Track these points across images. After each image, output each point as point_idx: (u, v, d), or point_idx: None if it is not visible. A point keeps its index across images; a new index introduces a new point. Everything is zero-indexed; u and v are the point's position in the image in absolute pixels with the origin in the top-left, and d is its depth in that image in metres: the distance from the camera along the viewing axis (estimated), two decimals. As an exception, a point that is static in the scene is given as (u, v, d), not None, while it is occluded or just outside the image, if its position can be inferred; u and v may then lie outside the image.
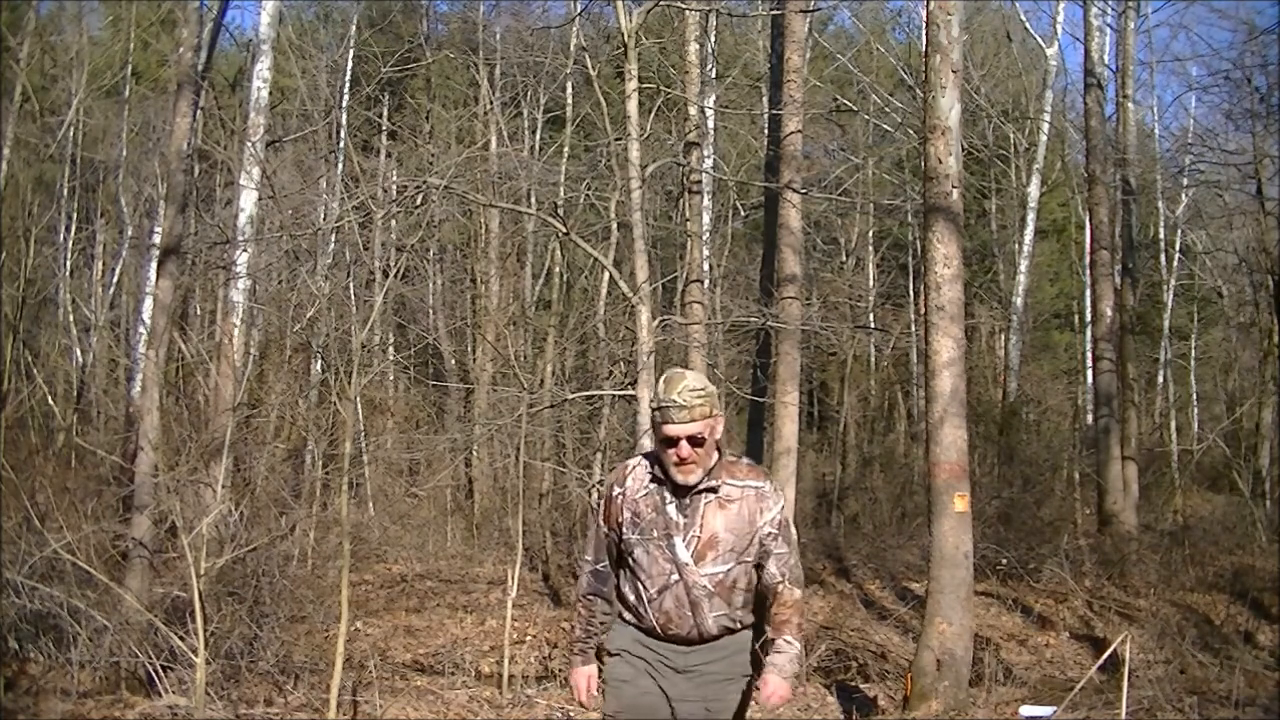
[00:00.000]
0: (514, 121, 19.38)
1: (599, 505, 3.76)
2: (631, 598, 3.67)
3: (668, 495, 3.60)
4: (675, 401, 3.47)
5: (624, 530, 3.64)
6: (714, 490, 3.58)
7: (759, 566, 3.62)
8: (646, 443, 7.80)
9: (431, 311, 19.19)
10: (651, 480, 3.64)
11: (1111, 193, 16.17)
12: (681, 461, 3.52)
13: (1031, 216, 19.05)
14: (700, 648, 3.63)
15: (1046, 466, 16.78)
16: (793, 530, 3.66)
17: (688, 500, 3.58)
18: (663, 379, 3.56)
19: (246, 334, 12.25)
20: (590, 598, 3.79)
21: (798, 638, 3.56)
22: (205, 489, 8.55)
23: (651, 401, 3.61)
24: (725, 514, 3.57)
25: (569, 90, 19.96)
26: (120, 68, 19.49)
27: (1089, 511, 16.12)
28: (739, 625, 3.65)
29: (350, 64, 19.50)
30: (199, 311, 17.95)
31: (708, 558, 3.56)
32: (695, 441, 3.51)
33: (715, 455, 3.62)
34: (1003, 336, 20.61)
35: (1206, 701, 7.65)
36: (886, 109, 19.06)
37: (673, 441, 3.52)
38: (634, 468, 3.72)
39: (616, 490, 3.70)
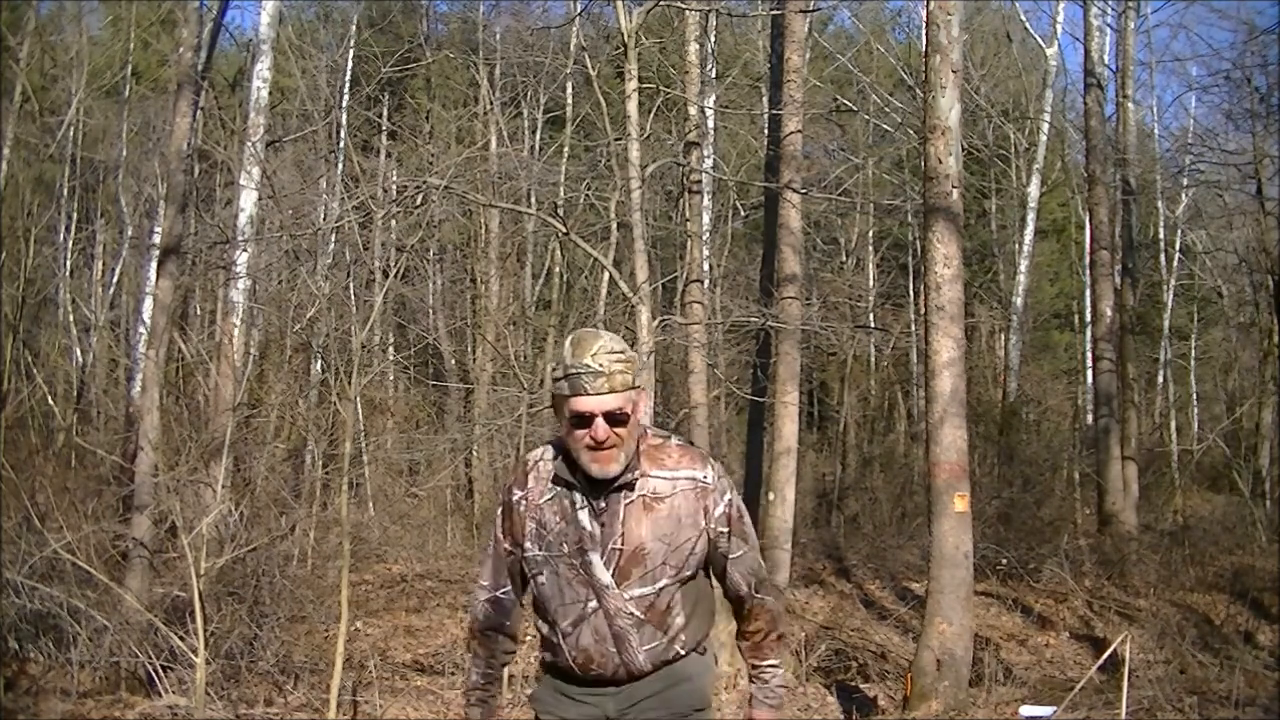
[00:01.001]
0: (514, 121, 19.39)
1: (498, 516, 2.96)
2: (544, 630, 2.91)
3: (578, 497, 2.82)
4: (589, 367, 2.70)
5: (526, 546, 2.87)
6: (631, 486, 2.80)
7: (719, 575, 2.96)
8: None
9: (431, 311, 19.18)
10: (554, 481, 2.86)
11: (1111, 193, 16.17)
12: (598, 446, 2.73)
13: (1031, 216, 19.05)
14: (632, 686, 2.86)
15: (1046, 466, 16.78)
16: (748, 522, 2.95)
17: (603, 502, 2.80)
18: (569, 341, 2.80)
19: (246, 334, 12.25)
20: (488, 634, 2.99)
21: (780, 654, 3.03)
22: (205, 489, 8.55)
23: (553, 370, 2.82)
24: (653, 516, 2.80)
25: (569, 90, 19.96)
26: (120, 68, 19.48)
27: (1089, 511, 16.12)
28: (682, 652, 2.88)
29: (350, 64, 19.49)
30: (199, 311, 17.95)
31: (633, 576, 2.78)
32: (615, 419, 2.74)
33: (635, 440, 2.82)
34: (1003, 336, 20.62)
35: (1206, 701, 7.66)
36: (886, 109, 19.06)
37: (585, 420, 2.73)
38: (535, 463, 2.92)
39: (517, 495, 2.90)
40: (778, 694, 3.01)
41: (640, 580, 2.80)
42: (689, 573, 2.85)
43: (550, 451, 2.94)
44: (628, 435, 2.77)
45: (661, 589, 2.81)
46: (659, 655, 2.85)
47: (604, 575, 2.80)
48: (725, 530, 2.88)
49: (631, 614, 2.80)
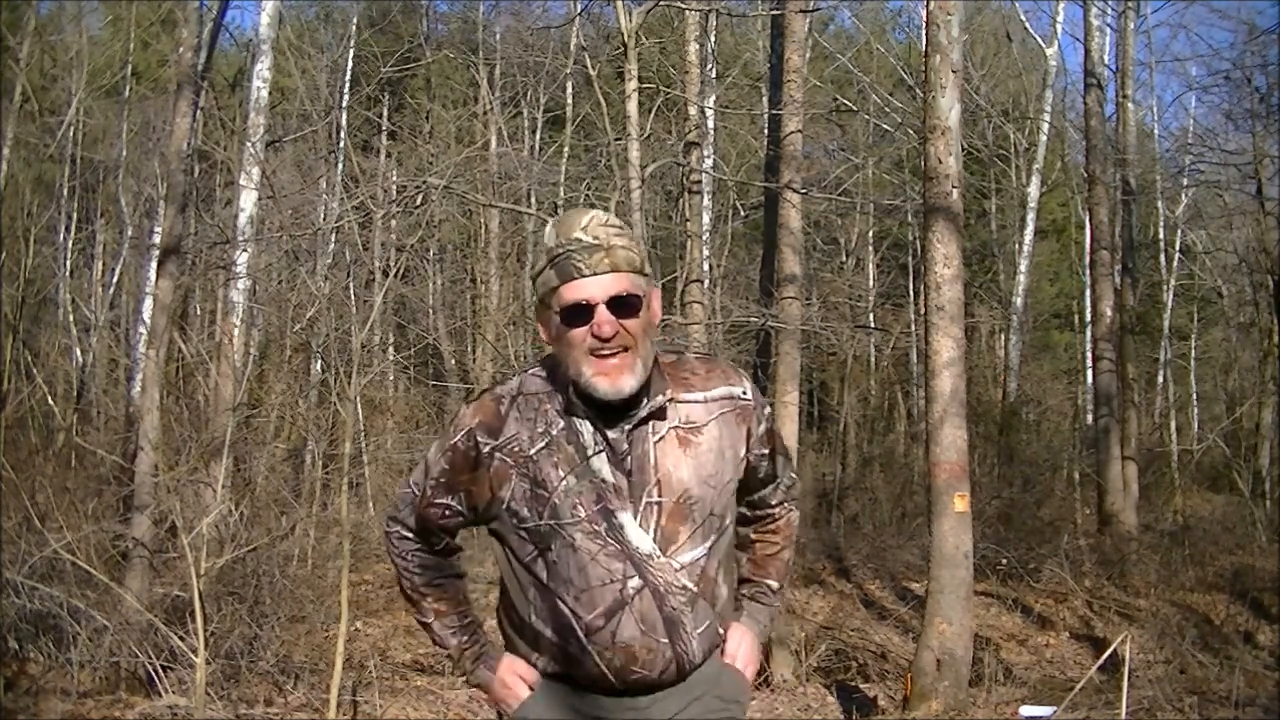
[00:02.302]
0: (514, 121, 19.39)
1: (443, 461, 2.19)
2: (546, 631, 2.14)
3: (588, 439, 2.10)
4: (580, 241, 2.05)
5: (518, 512, 2.12)
6: (662, 414, 2.12)
7: (751, 491, 2.34)
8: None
9: (431, 311, 19.18)
10: (558, 409, 2.12)
11: (1111, 193, 16.17)
12: (602, 345, 2.04)
13: (1031, 216, 19.04)
14: (675, 691, 2.16)
15: (1046, 466, 16.78)
16: (779, 430, 2.42)
17: (625, 442, 2.10)
18: (551, 224, 2.15)
19: (246, 334, 12.25)
20: (442, 582, 2.32)
21: (783, 579, 2.41)
22: (205, 489, 8.55)
23: (533, 267, 2.17)
24: (694, 453, 2.13)
25: (569, 90, 19.96)
26: (120, 68, 19.48)
27: (1089, 511, 16.12)
28: (722, 632, 2.25)
29: (350, 64, 19.51)
30: (199, 311, 17.95)
31: (681, 537, 2.10)
32: (622, 307, 2.05)
33: (651, 350, 2.13)
34: (1003, 336, 20.62)
35: (1206, 701, 7.66)
36: (886, 109, 19.05)
37: (581, 313, 2.04)
38: (512, 399, 2.14)
39: (485, 443, 2.13)
40: (768, 625, 2.39)
41: (690, 541, 2.11)
42: (729, 519, 2.21)
43: (533, 380, 2.17)
44: (640, 334, 2.08)
45: (711, 548, 2.15)
46: (710, 639, 2.19)
47: (643, 540, 2.09)
48: (767, 451, 2.28)
49: (684, 587, 2.11)
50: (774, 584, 2.40)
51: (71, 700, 7.40)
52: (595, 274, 2.05)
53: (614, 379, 2.06)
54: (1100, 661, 7.99)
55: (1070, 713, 7.37)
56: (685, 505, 2.11)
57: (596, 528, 2.09)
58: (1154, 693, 7.65)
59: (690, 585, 2.12)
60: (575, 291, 2.05)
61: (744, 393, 2.22)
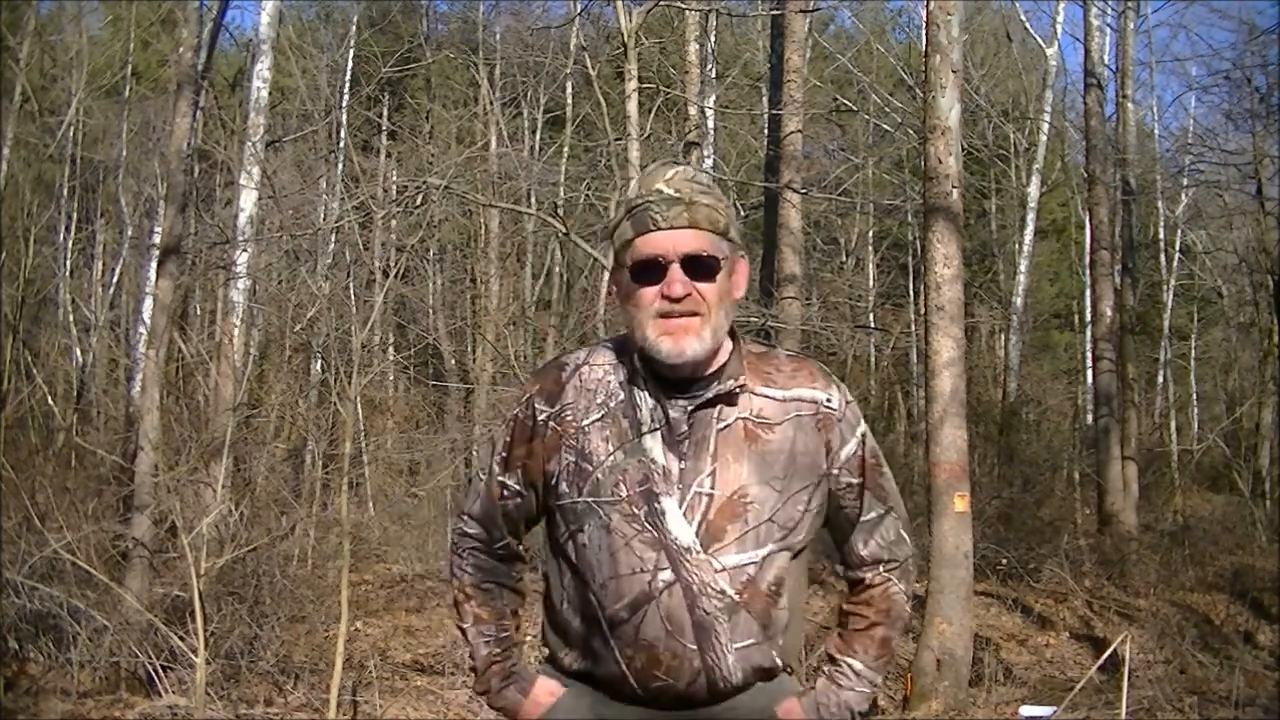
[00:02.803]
0: (514, 121, 19.39)
1: (504, 439, 2.06)
2: (575, 621, 1.98)
3: (646, 414, 1.93)
4: (661, 193, 1.90)
5: (558, 488, 1.97)
6: (731, 399, 1.94)
7: (837, 544, 2.10)
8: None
9: (431, 311, 19.17)
10: (621, 380, 1.98)
11: (1111, 193, 16.16)
12: (674, 305, 1.88)
13: (1031, 216, 19.04)
14: (711, 712, 1.94)
15: (1046, 466, 16.77)
16: (888, 475, 2.11)
17: (685, 424, 1.93)
18: (639, 175, 2.03)
19: (246, 334, 12.25)
20: (490, 588, 2.10)
21: (874, 664, 2.06)
22: (205, 489, 8.55)
23: (610, 225, 2.03)
24: (759, 450, 1.93)
25: (569, 90, 19.97)
26: (120, 68, 19.48)
27: (1089, 511, 16.11)
28: (780, 663, 1.99)
29: (350, 64, 19.51)
30: (199, 311, 17.95)
31: (727, 536, 1.90)
32: (699, 267, 1.90)
33: (729, 333, 1.97)
34: (1003, 336, 20.61)
35: (1206, 701, 7.66)
36: (886, 109, 19.05)
37: (654, 269, 1.89)
38: (576, 367, 2.01)
39: (542, 410, 2.00)
40: (844, 700, 2.04)
41: (739, 543, 1.90)
42: (801, 538, 1.97)
43: (602, 351, 2.03)
44: (715, 302, 1.90)
45: (766, 558, 1.91)
46: (754, 661, 1.93)
47: (684, 532, 1.88)
48: (856, 482, 2.02)
49: (722, 592, 1.89)
50: (856, 665, 2.05)
51: (71, 700, 7.40)
52: (672, 228, 1.89)
53: (678, 340, 1.88)
54: (1100, 661, 7.99)
55: (1070, 713, 7.36)
56: (739, 503, 1.90)
57: (636, 510, 1.90)
58: (1154, 693, 7.65)
59: (730, 591, 1.89)
60: (649, 245, 1.90)
61: (829, 400, 2.00)
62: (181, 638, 7.22)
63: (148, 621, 7.57)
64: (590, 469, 1.93)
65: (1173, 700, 7.57)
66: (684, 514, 1.90)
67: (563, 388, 1.99)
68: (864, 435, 2.04)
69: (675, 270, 1.88)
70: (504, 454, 2.04)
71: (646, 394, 1.94)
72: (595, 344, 2.07)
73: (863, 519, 2.05)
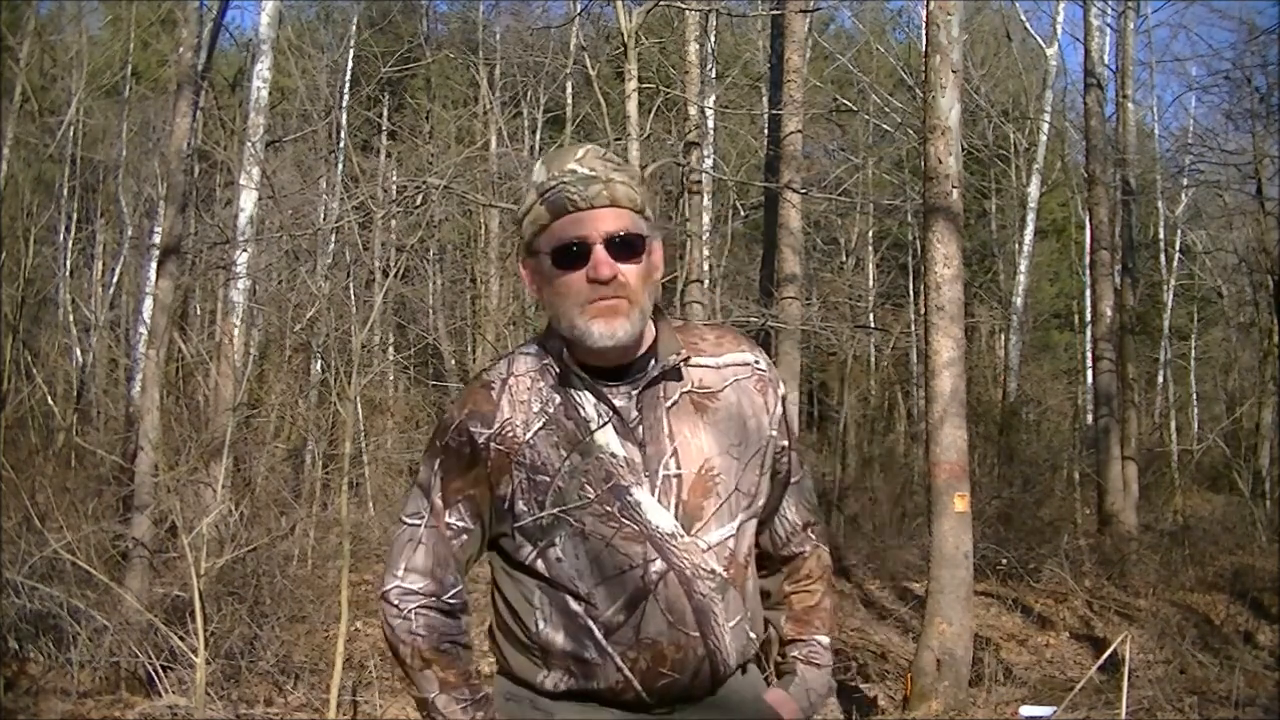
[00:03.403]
0: (514, 121, 19.40)
1: (434, 474, 1.90)
2: (557, 639, 1.85)
3: (590, 410, 1.84)
4: (575, 172, 1.81)
5: (514, 509, 1.84)
6: (676, 374, 1.87)
7: (769, 510, 2.02)
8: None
9: (431, 311, 19.18)
10: (552, 384, 1.86)
11: (1111, 193, 16.17)
12: (601, 286, 1.79)
13: (1031, 216, 19.05)
14: (705, 707, 1.87)
15: (1046, 466, 16.78)
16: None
17: (633, 409, 1.84)
18: (544, 157, 1.91)
19: (246, 334, 12.26)
20: (448, 648, 1.91)
21: (832, 633, 2.08)
22: (205, 489, 8.56)
23: (520, 210, 1.89)
24: (711, 419, 1.87)
25: (569, 90, 19.97)
26: (120, 68, 19.48)
27: (1089, 511, 16.12)
28: (755, 646, 1.96)
29: (350, 64, 19.51)
30: (199, 311, 17.95)
31: (706, 512, 1.84)
32: (622, 247, 1.80)
33: (652, 300, 1.89)
34: (1003, 336, 20.62)
35: (1206, 701, 7.67)
36: (886, 109, 19.05)
37: (576, 252, 1.80)
38: (503, 381, 1.89)
39: (479, 434, 1.85)
40: (825, 691, 2.05)
41: (717, 518, 1.84)
42: (762, 503, 1.93)
43: (522, 359, 1.91)
44: (639, 285, 1.82)
45: (740, 528, 1.87)
46: (741, 639, 1.88)
47: (663, 518, 1.81)
48: (784, 444, 1.98)
49: (713, 571, 1.83)
50: (824, 639, 2.04)
51: (71, 700, 7.41)
52: (592, 207, 1.79)
53: (609, 322, 1.79)
54: (1100, 661, 7.99)
55: (1070, 713, 7.37)
56: (708, 477, 1.84)
57: (609, 509, 1.81)
58: (1154, 693, 7.65)
59: (719, 569, 1.83)
60: (569, 228, 1.79)
61: (758, 362, 1.95)
62: (181, 638, 7.22)
63: (148, 621, 7.58)
64: (548, 479, 1.82)
65: (1173, 700, 7.58)
66: (659, 500, 1.82)
67: (497, 405, 1.86)
68: (784, 396, 2.00)
69: (600, 251, 1.79)
70: (440, 492, 1.88)
71: (585, 391, 1.85)
72: (509, 354, 1.95)
73: (792, 480, 2.02)
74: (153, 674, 7.42)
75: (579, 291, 1.80)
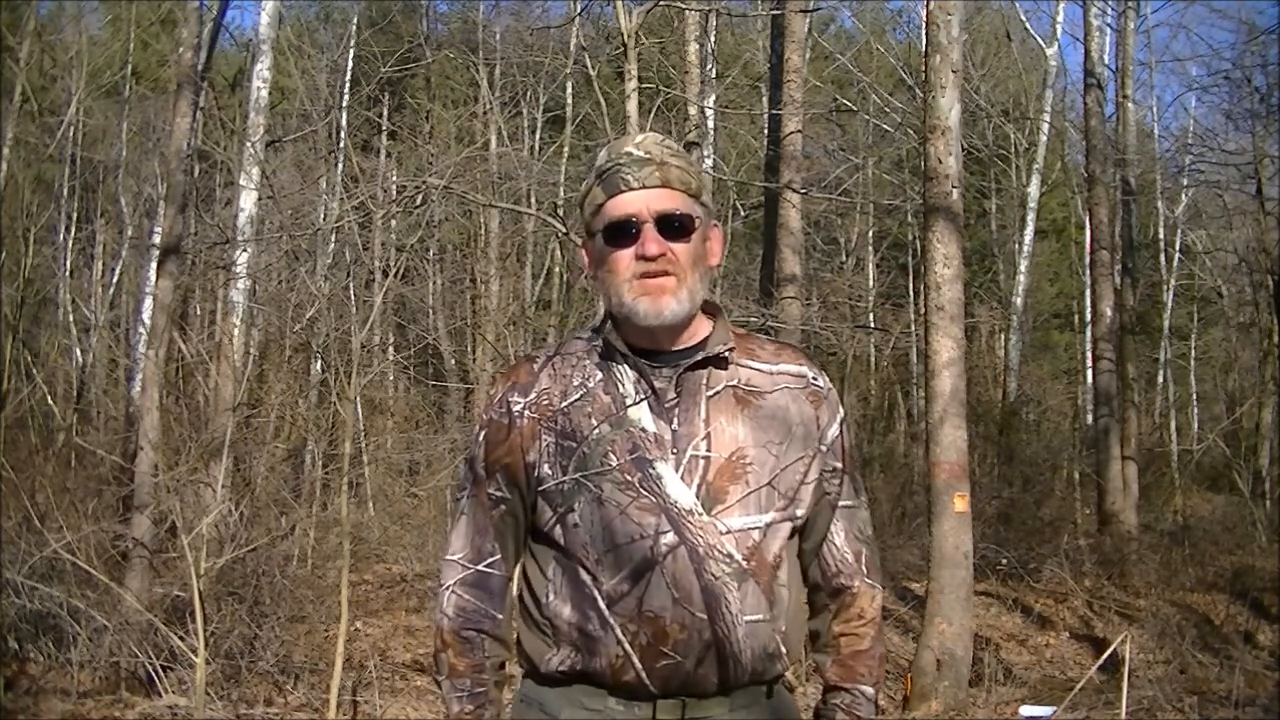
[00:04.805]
0: (514, 121, 19.40)
1: (477, 447, 1.93)
2: (565, 610, 1.83)
3: (630, 386, 1.86)
4: (631, 154, 1.86)
5: (540, 472, 1.86)
6: (722, 363, 1.88)
7: (812, 541, 1.95)
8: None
9: (431, 311, 19.18)
10: (597, 361, 1.90)
11: (1111, 193, 16.17)
12: (650, 264, 1.82)
13: (1031, 216, 19.05)
14: (716, 704, 1.82)
15: (1046, 466, 16.77)
16: (858, 466, 2.07)
17: (672, 391, 1.85)
18: (606, 145, 1.97)
19: (246, 334, 12.25)
20: (467, 637, 1.91)
21: (875, 684, 1.98)
22: (205, 489, 8.56)
23: (580, 193, 1.96)
24: (751, 414, 1.86)
25: (569, 90, 19.98)
26: (120, 68, 19.48)
27: (1089, 511, 16.11)
28: (786, 660, 1.88)
29: (350, 64, 19.51)
30: (199, 311, 17.95)
31: (730, 497, 1.81)
32: (673, 226, 1.84)
33: (713, 308, 1.94)
34: (1003, 336, 20.61)
35: (1206, 701, 7.67)
36: (886, 109, 19.05)
37: (627, 230, 1.83)
38: (548, 359, 1.93)
39: (516, 402, 1.89)
40: None
41: (742, 505, 1.81)
42: (801, 512, 1.88)
43: (574, 341, 1.97)
44: (690, 265, 1.84)
45: (769, 526, 1.83)
46: (761, 640, 1.81)
47: (683, 494, 1.79)
48: (838, 465, 1.94)
49: (729, 555, 1.79)
50: (869, 690, 1.96)
51: (71, 700, 7.40)
52: (644, 187, 1.83)
53: (656, 299, 1.81)
54: (1100, 661, 7.99)
55: (1070, 713, 7.37)
56: (738, 464, 1.82)
57: (629, 478, 1.80)
58: (1154, 693, 7.65)
59: (737, 556, 1.78)
60: (621, 207, 1.84)
61: (816, 378, 1.93)
62: (181, 638, 7.22)
63: (148, 621, 7.58)
64: (575, 445, 1.83)
65: (1173, 700, 7.58)
66: (682, 478, 1.80)
67: (536, 377, 1.90)
68: (844, 421, 1.97)
69: (649, 229, 1.82)
70: (483, 462, 1.91)
71: (626, 367, 1.87)
72: (563, 338, 2.03)
73: (842, 503, 1.95)
74: (153, 674, 7.42)
75: (628, 268, 1.83)
